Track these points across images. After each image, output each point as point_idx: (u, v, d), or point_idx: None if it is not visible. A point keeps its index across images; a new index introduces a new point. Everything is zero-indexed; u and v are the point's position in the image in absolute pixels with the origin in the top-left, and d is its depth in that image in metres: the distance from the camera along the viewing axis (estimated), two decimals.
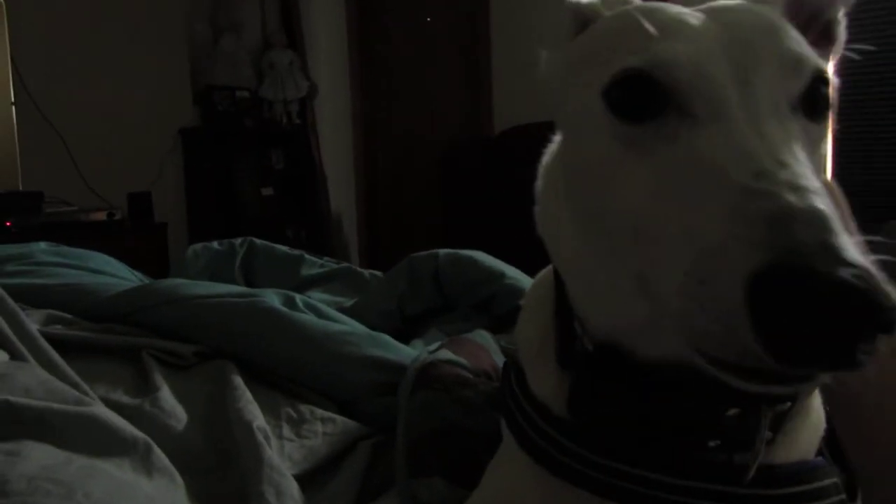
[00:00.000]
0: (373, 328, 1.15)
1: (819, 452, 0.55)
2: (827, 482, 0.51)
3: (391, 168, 4.78)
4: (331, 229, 4.61)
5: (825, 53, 0.54)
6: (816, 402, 0.56)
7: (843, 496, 0.52)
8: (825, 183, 0.44)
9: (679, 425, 0.49)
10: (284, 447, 0.91)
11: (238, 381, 0.99)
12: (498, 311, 1.30)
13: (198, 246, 1.68)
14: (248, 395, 0.96)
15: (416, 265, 1.38)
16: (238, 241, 1.68)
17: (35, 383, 0.74)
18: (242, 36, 4.45)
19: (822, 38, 0.54)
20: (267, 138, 4.49)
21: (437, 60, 4.52)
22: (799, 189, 0.35)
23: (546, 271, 0.67)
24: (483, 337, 1.07)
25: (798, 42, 0.45)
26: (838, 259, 0.31)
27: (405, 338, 1.20)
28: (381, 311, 1.34)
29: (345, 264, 1.73)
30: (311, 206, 4.50)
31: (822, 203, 0.34)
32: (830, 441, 0.60)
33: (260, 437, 0.86)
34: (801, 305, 0.30)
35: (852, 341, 0.31)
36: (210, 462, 0.87)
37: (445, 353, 0.95)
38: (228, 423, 0.90)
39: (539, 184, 0.60)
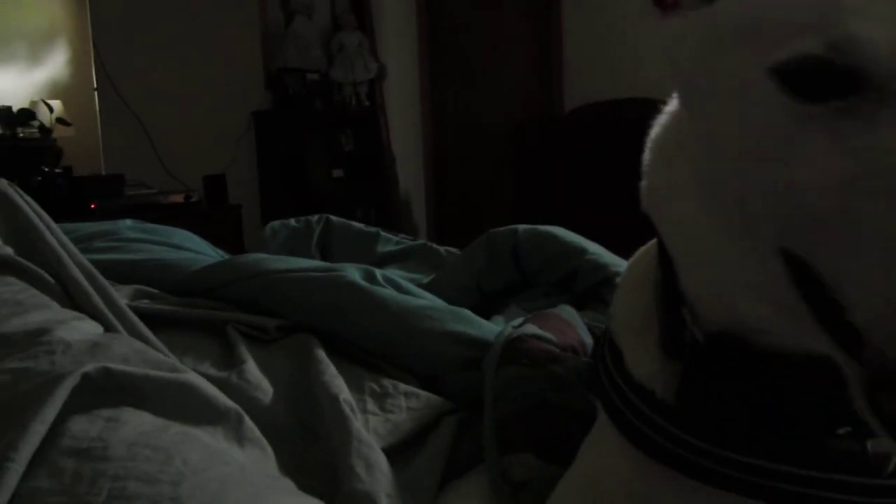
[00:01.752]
0: (451, 304, 1.14)
1: None
2: None
3: (459, 149, 4.76)
4: (400, 210, 4.62)
5: None
6: None
7: None
8: None
9: (801, 414, 0.46)
10: (369, 421, 0.91)
11: (321, 354, 0.99)
12: (579, 287, 1.26)
13: (276, 223, 1.70)
14: (332, 368, 0.95)
15: (494, 240, 1.35)
16: (315, 218, 1.69)
17: (131, 352, 0.74)
18: (313, 18, 4.49)
19: None
20: (336, 120, 4.53)
21: (507, 40, 4.45)
22: None
23: (645, 249, 0.63)
24: (568, 312, 1.04)
25: None
26: None
27: (484, 314, 1.18)
28: (460, 287, 1.32)
29: (420, 241, 1.72)
30: (381, 188, 4.53)
31: None
32: None
33: (347, 410, 0.85)
34: None
35: None
36: (296, 435, 0.87)
37: (531, 328, 0.92)
38: (314, 396, 0.90)
39: (647, 157, 0.56)
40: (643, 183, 0.56)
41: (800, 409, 0.45)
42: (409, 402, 0.95)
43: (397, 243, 1.67)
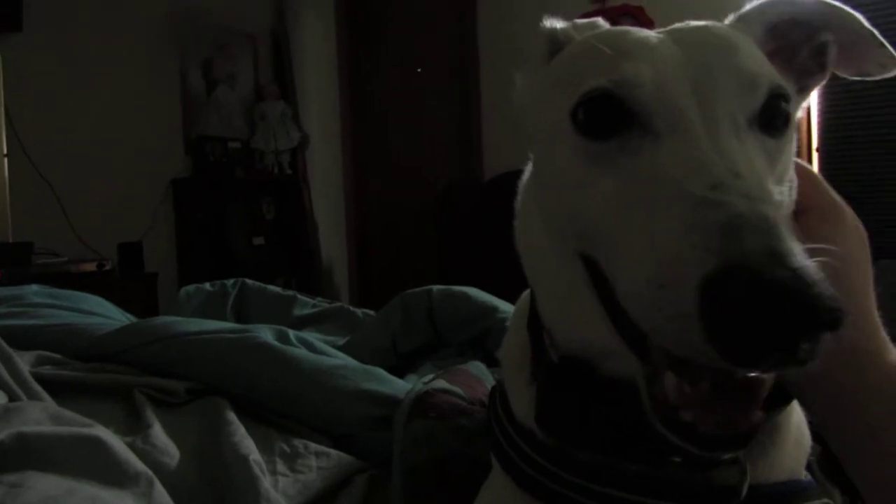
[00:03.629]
0: (367, 365, 1.15)
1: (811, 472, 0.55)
2: (815, 503, 0.51)
3: (383, 216, 4.81)
4: (322, 278, 4.60)
5: (816, 75, 0.56)
6: (796, 418, 0.55)
7: None
8: (786, 193, 0.46)
9: (643, 441, 0.48)
10: (279, 482, 0.90)
11: (231, 416, 0.98)
12: (492, 345, 1.29)
13: (190, 287, 1.68)
14: (242, 430, 0.94)
15: (409, 302, 1.38)
16: (230, 282, 1.68)
17: (45, 417, 0.73)
18: (236, 87, 4.52)
19: (815, 60, 0.55)
20: (258, 188, 4.52)
21: (428, 110, 4.58)
22: (751, 198, 0.37)
23: (528, 291, 0.67)
24: (478, 367, 1.07)
25: (756, 60, 0.47)
26: (782, 263, 0.33)
27: (399, 374, 1.19)
28: (375, 348, 1.34)
29: (337, 304, 1.73)
30: (302, 255, 4.51)
31: (772, 211, 0.36)
32: (827, 461, 0.59)
33: (256, 470, 0.85)
34: (746, 306, 0.32)
35: (793, 340, 0.33)
36: (205, 498, 0.85)
37: (440, 383, 0.94)
38: (223, 458, 0.88)
39: (518, 200, 0.61)
40: (515, 222, 0.61)
41: (637, 435, 0.48)
42: (320, 462, 0.95)
43: (314, 306, 1.67)
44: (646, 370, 0.42)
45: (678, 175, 0.40)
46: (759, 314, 0.32)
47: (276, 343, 1.09)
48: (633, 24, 0.53)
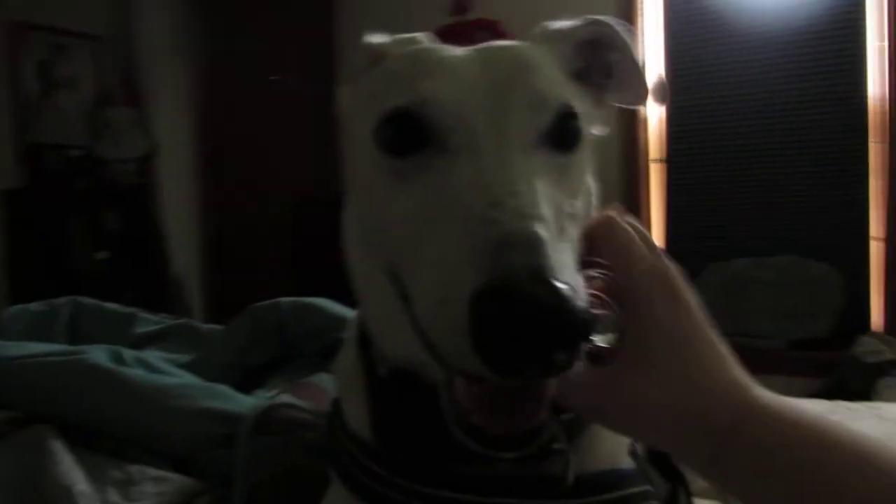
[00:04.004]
0: (213, 382, 1.10)
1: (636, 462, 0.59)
2: (634, 490, 0.54)
3: (239, 228, 4.66)
4: (172, 292, 4.40)
5: (608, 92, 0.59)
6: None
7: (653, 503, 0.55)
8: (579, 206, 0.48)
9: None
10: None
11: (56, 445, 0.91)
12: None
13: (16, 308, 1.54)
14: (68, 459, 0.89)
15: (257, 315, 1.34)
16: (62, 300, 1.56)
17: None
18: (76, 92, 4.23)
19: (606, 79, 0.59)
20: (102, 199, 4.25)
21: (286, 120, 4.49)
22: (524, 217, 0.39)
23: None
24: (325, 380, 1.06)
25: (547, 81, 0.49)
26: (542, 280, 0.35)
27: (247, 390, 1.16)
28: (221, 364, 1.29)
29: (182, 320, 1.65)
30: (151, 269, 4.29)
31: (542, 228, 0.38)
32: (654, 451, 0.63)
33: (81, 501, 0.80)
34: (505, 321, 0.34)
35: (548, 351, 0.35)
36: None
37: (286, 397, 0.93)
38: (43, 491, 0.83)
39: (344, 215, 0.61)
40: (343, 236, 0.60)
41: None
42: (158, 487, 0.90)
43: (157, 323, 1.59)
44: (445, 377, 0.43)
45: (463, 193, 0.41)
46: (516, 328, 0.34)
47: (108, 364, 1.03)
48: (490, 38, 0.54)
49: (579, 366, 0.37)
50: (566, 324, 0.35)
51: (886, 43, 2.85)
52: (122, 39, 4.43)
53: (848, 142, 2.97)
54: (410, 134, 0.46)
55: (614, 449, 0.57)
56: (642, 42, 3.23)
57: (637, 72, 0.58)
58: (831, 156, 3.00)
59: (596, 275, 0.42)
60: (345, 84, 0.58)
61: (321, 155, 4.38)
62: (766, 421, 0.45)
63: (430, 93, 0.46)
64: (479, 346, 0.35)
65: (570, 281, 0.36)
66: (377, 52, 0.55)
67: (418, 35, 0.57)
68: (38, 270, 3.78)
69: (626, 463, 0.58)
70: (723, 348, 0.48)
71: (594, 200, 0.52)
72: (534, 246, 0.37)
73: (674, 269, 0.48)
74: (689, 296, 0.48)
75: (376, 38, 0.56)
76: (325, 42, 4.30)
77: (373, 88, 0.52)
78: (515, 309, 0.34)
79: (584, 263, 0.44)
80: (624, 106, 0.60)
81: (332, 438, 0.62)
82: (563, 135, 0.48)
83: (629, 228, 0.49)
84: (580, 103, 0.51)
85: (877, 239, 2.91)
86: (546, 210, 0.41)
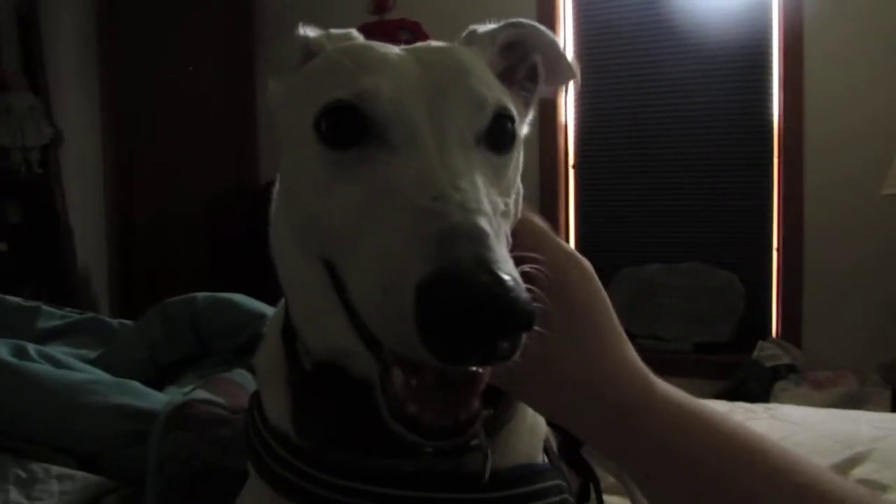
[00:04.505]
0: (122, 378, 1.07)
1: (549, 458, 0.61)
2: (548, 484, 0.56)
3: (149, 221, 4.50)
4: (77, 287, 4.21)
5: (531, 92, 0.61)
6: (531, 409, 0.60)
7: (566, 496, 0.57)
8: (511, 204, 0.50)
9: (391, 437, 0.49)
10: None
11: None
12: None
13: None
14: None
15: (171, 311, 1.31)
16: None
17: None
18: None
19: (530, 79, 0.61)
20: (1, 189, 4.03)
21: (201, 111, 4.36)
22: (468, 210, 0.40)
23: (284, 299, 0.67)
24: (242, 376, 1.04)
25: (486, 83, 0.51)
26: (487, 269, 0.37)
27: (159, 387, 1.13)
28: (133, 360, 1.25)
29: (90, 314, 1.59)
30: (54, 263, 4.09)
31: (485, 222, 0.40)
32: (567, 447, 0.66)
33: None
34: (450, 308, 0.35)
35: (492, 339, 0.36)
36: None
37: (201, 393, 0.91)
38: None
39: (272, 207, 0.61)
40: (270, 230, 0.60)
41: (385, 432, 0.48)
42: (63, 486, 0.87)
43: (62, 317, 1.52)
44: (379, 368, 0.44)
45: (406, 186, 0.42)
46: (461, 315, 0.35)
47: (10, 359, 0.98)
48: (410, 38, 0.55)
49: (517, 354, 0.38)
50: (513, 312, 0.36)
51: (779, 63, 3.01)
52: (25, 21, 4.21)
53: (753, 154, 3.12)
54: (351, 127, 0.46)
55: (530, 446, 0.59)
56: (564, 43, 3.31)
57: (564, 62, 0.60)
58: (738, 166, 3.15)
59: (527, 269, 0.44)
60: (274, 76, 0.58)
61: (235, 148, 4.29)
62: (666, 405, 0.49)
63: (372, 87, 0.46)
64: (424, 333, 0.36)
65: (513, 273, 0.38)
66: (312, 46, 0.55)
67: (352, 31, 0.57)
68: None
69: (541, 459, 0.60)
70: (625, 336, 0.51)
71: (521, 201, 0.54)
72: (479, 238, 0.38)
73: (585, 259, 0.52)
74: (599, 284, 0.51)
75: (311, 32, 0.56)
76: (244, 35, 4.22)
77: (310, 81, 0.52)
78: (464, 296, 0.35)
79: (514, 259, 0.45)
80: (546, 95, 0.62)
81: (252, 432, 0.61)
82: (498, 136, 0.50)
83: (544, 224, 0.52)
84: (511, 105, 0.52)
85: (776, 249, 3.08)
86: (487, 206, 0.42)
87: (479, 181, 0.45)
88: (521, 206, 0.54)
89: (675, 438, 0.48)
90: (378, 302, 0.39)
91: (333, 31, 0.57)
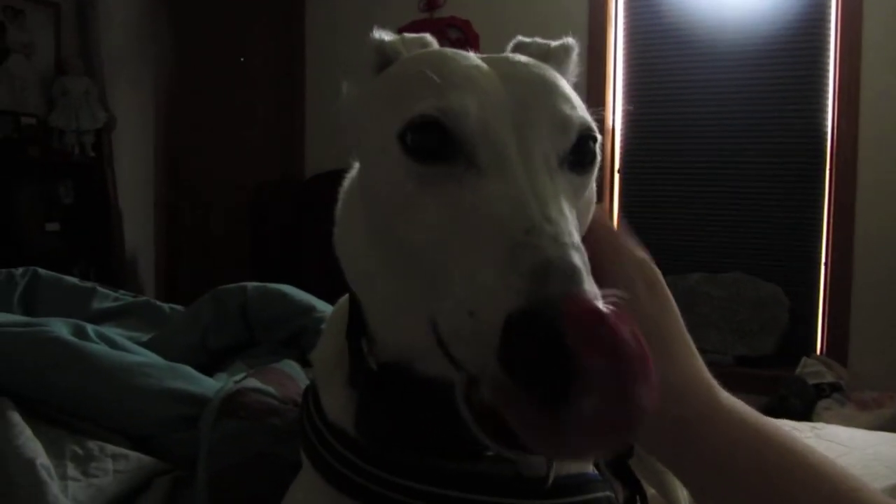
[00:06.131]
0: (173, 362, 1.09)
1: (598, 468, 0.61)
2: (599, 494, 0.57)
3: (196, 209, 4.58)
4: (125, 269, 4.30)
5: None
6: None
7: None
8: (586, 224, 0.50)
9: (457, 440, 0.50)
10: (69, 487, 0.84)
11: (16, 417, 0.89)
12: (307, 345, 1.28)
13: None
14: (28, 432, 0.87)
15: (222, 298, 1.33)
16: (19, 270, 1.52)
17: None
18: (32, 59, 4.11)
19: None
20: (55, 170, 4.14)
21: (250, 102, 4.43)
22: (561, 245, 0.40)
23: (346, 296, 0.68)
24: (291, 366, 1.06)
25: (570, 102, 0.50)
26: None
27: (209, 373, 1.15)
28: (184, 345, 1.28)
29: (143, 298, 1.63)
30: (103, 244, 4.19)
31: (578, 259, 0.40)
32: (618, 460, 0.66)
33: (44, 475, 0.79)
34: (541, 347, 0.35)
35: (566, 377, 0.36)
36: None
37: (252, 382, 0.93)
38: (5, 463, 0.81)
39: (339, 207, 0.62)
40: (335, 229, 0.61)
41: (452, 435, 0.49)
42: (117, 465, 0.89)
43: (116, 300, 1.56)
44: (463, 376, 0.44)
45: (497, 214, 0.42)
46: (550, 356, 0.35)
47: (70, 338, 1.01)
48: (459, 37, 0.55)
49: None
50: None
51: (835, 71, 2.94)
52: (83, 8, 4.31)
53: (804, 163, 3.06)
54: (436, 142, 0.46)
55: None
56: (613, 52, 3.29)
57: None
58: (787, 176, 3.10)
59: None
60: (350, 80, 0.58)
61: (282, 140, 4.35)
62: (730, 419, 0.49)
63: (459, 106, 0.46)
64: (506, 366, 0.36)
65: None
66: (388, 50, 0.55)
67: (427, 36, 0.57)
68: None
69: (591, 469, 0.60)
70: (693, 346, 0.51)
71: (592, 205, 0.54)
72: (571, 276, 0.39)
73: (656, 267, 0.52)
74: (668, 292, 0.51)
75: (384, 36, 0.56)
76: (295, 27, 4.26)
77: (392, 90, 0.52)
78: (552, 338, 0.35)
79: None
80: None
81: (307, 424, 0.63)
82: (581, 156, 0.49)
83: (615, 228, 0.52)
84: (594, 125, 0.51)
85: (824, 263, 3.01)
86: (577, 237, 0.42)
87: (566, 207, 0.44)
88: (592, 207, 0.54)
89: (733, 452, 0.48)
90: (462, 324, 0.40)
91: (407, 35, 0.58)
